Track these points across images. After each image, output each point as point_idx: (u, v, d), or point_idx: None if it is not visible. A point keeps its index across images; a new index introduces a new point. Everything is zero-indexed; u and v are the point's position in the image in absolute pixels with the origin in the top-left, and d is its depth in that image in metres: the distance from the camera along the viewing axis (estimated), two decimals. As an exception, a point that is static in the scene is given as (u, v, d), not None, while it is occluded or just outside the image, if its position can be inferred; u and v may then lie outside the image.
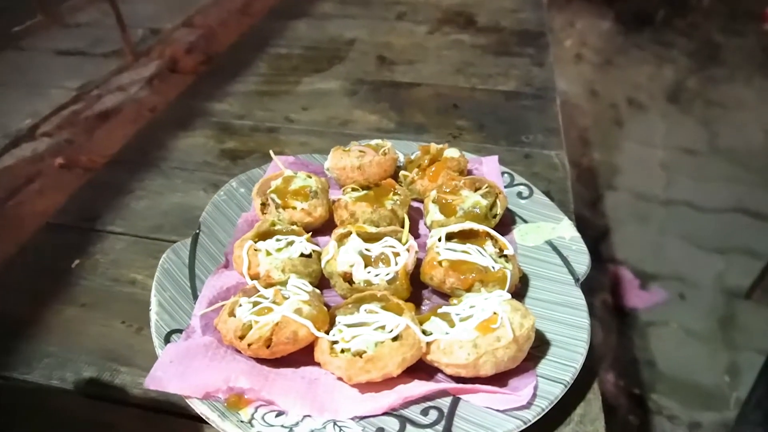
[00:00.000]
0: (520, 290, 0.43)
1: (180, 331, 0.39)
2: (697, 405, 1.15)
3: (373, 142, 0.54)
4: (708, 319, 1.31)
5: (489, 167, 0.54)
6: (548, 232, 0.48)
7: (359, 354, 0.35)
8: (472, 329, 0.36)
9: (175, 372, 0.35)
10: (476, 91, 0.73)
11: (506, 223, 0.49)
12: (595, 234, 1.52)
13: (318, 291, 0.41)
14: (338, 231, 0.44)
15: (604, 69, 2.23)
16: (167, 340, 0.39)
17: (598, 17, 2.57)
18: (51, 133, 0.73)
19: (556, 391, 0.36)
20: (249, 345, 0.37)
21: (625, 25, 2.53)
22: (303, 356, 0.38)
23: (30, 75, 0.86)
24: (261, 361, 0.38)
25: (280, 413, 0.34)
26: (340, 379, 0.36)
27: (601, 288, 1.37)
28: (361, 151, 0.51)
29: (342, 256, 0.42)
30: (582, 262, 0.45)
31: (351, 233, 0.43)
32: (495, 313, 0.36)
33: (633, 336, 1.28)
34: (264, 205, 0.48)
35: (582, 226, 1.53)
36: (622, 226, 1.54)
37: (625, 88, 2.11)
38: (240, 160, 0.61)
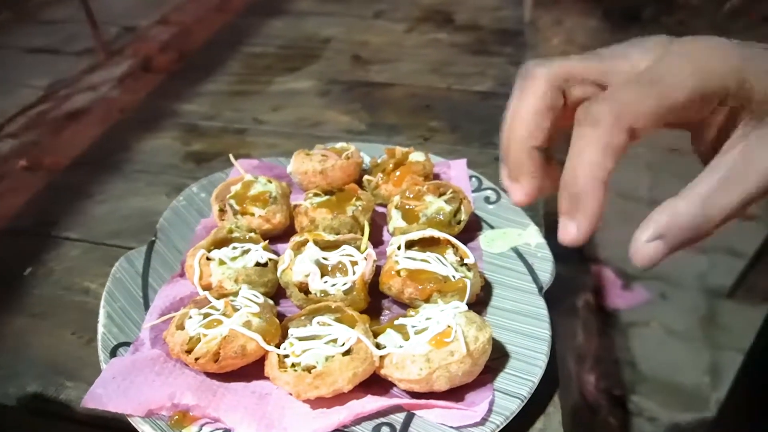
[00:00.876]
0: (483, 299, 0.42)
1: (128, 344, 0.38)
2: (678, 406, 1.15)
3: (338, 144, 0.52)
4: (689, 319, 1.31)
5: (456, 171, 0.53)
6: (514, 238, 0.47)
7: (308, 369, 0.34)
8: (425, 343, 0.34)
9: (117, 388, 0.34)
10: (451, 91, 0.72)
11: (472, 228, 0.48)
12: (579, 233, 1.52)
13: (271, 302, 0.40)
14: (295, 239, 0.43)
15: (592, 67, 2.22)
16: (114, 353, 0.37)
17: (585, 15, 2.57)
18: (16, 133, 0.71)
19: (513, 407, 0.35)
20: (196, 359, 0.35)
21: (613, 22, 2.53)
22: (255, 370, 0.36)
23: (-3, 73, 0.84)
24: (211, 375, 0.37)
25: (226, 431, 0.33)
26: (291, 394, 0.35)
27: (584, 288, 1.37)
28: (323, 155, 0.49)
29: (298, 265, 0.40)
30: (546, 269, 0.44)
31: (308, 241, 0.42)
32: (449, 327, 0.35)
33: (615, 336, 1.28)
34: (222, 211, 0.46)
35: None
36: (606, 225, 1.53)
37: (612, 86, 2.11)
38: (205, 162, 0.60)
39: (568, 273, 1.44)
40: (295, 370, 0.34)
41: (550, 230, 0.50)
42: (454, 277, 0.40)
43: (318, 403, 0.35)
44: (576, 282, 1.38)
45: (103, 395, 0.33)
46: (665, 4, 2.72)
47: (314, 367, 0.34)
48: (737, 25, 2.51)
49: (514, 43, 0.85)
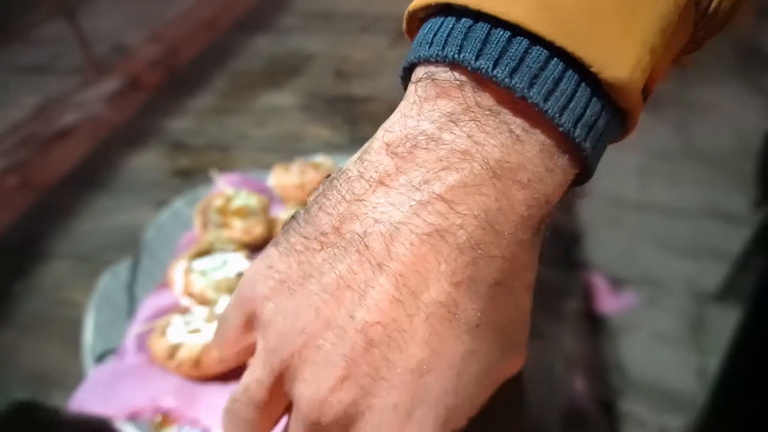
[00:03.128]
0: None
1: (113, 351, 0.40)
2: (666, 410, 1.16)
3: (317, 159, 0.54)
4: (678, 323, 1.33)
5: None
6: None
7: None
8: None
9: (101, 393, 0.36)
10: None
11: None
12: (567, 239, 1.54)
13: (250, 310, 0.41)
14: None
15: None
16: (100, 361, 0.39)
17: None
18: (6, 153, 0.73)
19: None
20: (178, 366, 0.37)
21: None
22: (233, 374, 0.38)
23: (-11, 93, 0.86)
24: (191, 379, 0.38)
25: (204, 430, 0.35)
26: None
27: (572, 293, 1.39)
28: (302, 169, 0.51)
29: (275, 274, 0.42)
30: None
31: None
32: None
33: (603, 341, 1.30)
34: (204, 225, 0.48)
35: (555, 231, 1.57)
36: (596, 230, 1.56)
37: (599, 93, 2.14)
38: (190, 179, 0.62)
39: (556, 278, 1.47)
40: None
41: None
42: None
43: (293, 406, 0.36)
44: (564, 287, 1.40)
45: (86, 399, 0.35)
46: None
47: None
48: (725, 31, 2.55)
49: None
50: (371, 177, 0.18)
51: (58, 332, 0.45)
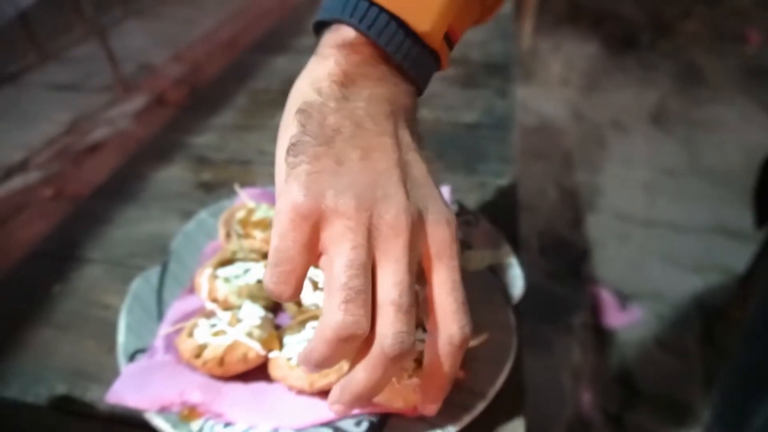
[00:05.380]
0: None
1: (144, 350, 0.44)
2: (672, 423, 1.18)
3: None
4: (685, 337, 1.35)
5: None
6: (489, 258, 0.52)
7: None
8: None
9: (134, 387, 0.39)
10: (440, 123, 0.78)
11: (452, 249, 0.53)
12: (575, 254, 1.56)
13: (271, 315, 0.45)
14: (291, 258, 0.48)
15: (589, 92, 2.30)
16: (132, 359, 0.43)
17: (584, 41, 2.65)
18: (42, 165, 0.78)
19: (480, 406, 0.39)
20: (204, 364, 0.41)
21: (611, 48, 2.60)
22: (255, 373, 0.42)
23: (25, 109, 0.91)
24: (215, 377, 0.42)
25: (227, 424, 0.38)
26: (297, 391, 0.40)
27: (580, 308, 1.41)
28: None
29: (293, 281, 0.46)
30: (516, 286, 0.50)
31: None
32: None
33: (611, 354, 1.32)
34: (228, 235, 0.52)
35: (563, 246, 1.58)
36: (603, 246, 1.58)
37: (609, 110, 2.17)
38: (214, 191, 0.66)
39: (565, 293, 1.49)
40: (299, 366, 0.40)
41: (522, 250, 0.55)
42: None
43: (310, 400, 0.40)
44: (573, 301, 1.42)
45: (122, 392, 0.39)
46: (662, 29, 2.80)
47: None
48: (734, 49, 2.57)
49: (501, 76, 0.91)
50: (332, 97, 0.29)
51: (93, 331, 0.48)
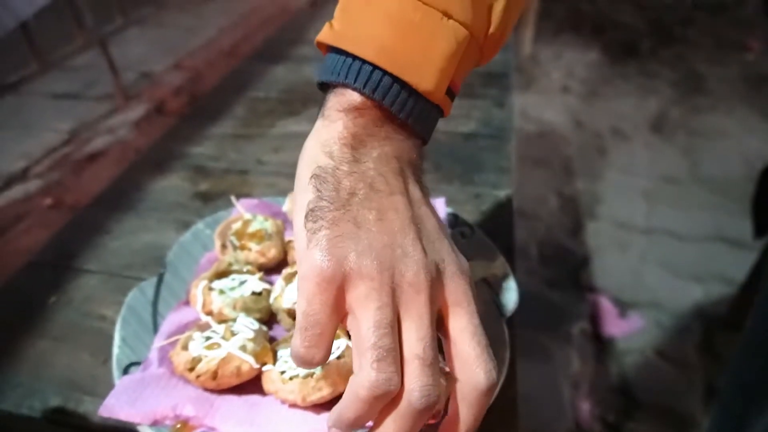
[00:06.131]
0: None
1: (138, 363, 0.44)
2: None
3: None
4: (685, 347, 1.34)
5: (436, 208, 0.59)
6: (484, 269, 0.52)
7: (309, 376, 0.39)
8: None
9: (127, 400, 0.40)
10: (437, 132, 0.78)
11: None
12: (575, 263, 1.56)
13: (265, 328, 0.45)
14: (286, 270, 0.48)
15: (590, 100, 2.30)
16: (126, 372, 0.43)
17: (585, 49, 2.65)
18: (42, 174, 0.78)
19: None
20: (198, 377, 0.41)
21: (612, 56, 2.61)
22: (248, 386, 0.42)
23: (25, 118, 0.92)
24: (209, 390, 0.42)
25: (220, 438, 0.39)
26: (289, 405, 0.40)
27: (579, 316, 1.41)
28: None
29: (288, 294, 0.46)
30: (510, 298, 0.50)
31: (296, 273, 0.47)
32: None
33: (610, 364, 1.31)
34: (224, 246, 0.52)
35: (563, 255, 1.58)
36: (603, 254, 1.58)
37: (609, 118, 2.17)
38: (211, 201, 0.66)
39: (564, 301, 1.49)
40: (292, 380, 0.40)
41: (517, 262, 0.55)
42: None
43: (302, 413, 0.40)
44: (572, 310, 1.42)
45: (115, 405, 0.39)
46: (663, 37, 2.81)
47: (312, 374, 0.39)
48: (735, 58, 2.57)
49: (499, 86, 0.92)
50: (344, 160, 0.30)
51: (89, 343, 0.49)
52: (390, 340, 0.27)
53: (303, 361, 0.29)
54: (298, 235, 0.29)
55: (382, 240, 0.28)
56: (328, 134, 0.30)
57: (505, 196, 0.66)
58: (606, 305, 1.44)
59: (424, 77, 0.29)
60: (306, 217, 0.29)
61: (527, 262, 1.52)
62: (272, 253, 0.52)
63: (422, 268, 0.28)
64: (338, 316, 0.28)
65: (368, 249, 0.28)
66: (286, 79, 0.95)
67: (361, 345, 0.27)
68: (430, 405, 0.27)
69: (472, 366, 0.28)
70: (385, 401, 0.27)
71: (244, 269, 0.50)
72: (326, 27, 0.31)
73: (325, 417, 0.39)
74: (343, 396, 0.28)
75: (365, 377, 0.26)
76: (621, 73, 2.48)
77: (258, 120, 0.83)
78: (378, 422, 0.29)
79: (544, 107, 2.19)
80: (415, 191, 0.31)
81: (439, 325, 0.30)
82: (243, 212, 0.55)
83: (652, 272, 1.53)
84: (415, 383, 0.27)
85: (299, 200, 0.30)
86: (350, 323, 0.29)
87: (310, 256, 0.28)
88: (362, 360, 0.27)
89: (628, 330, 1.39)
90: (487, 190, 0.67)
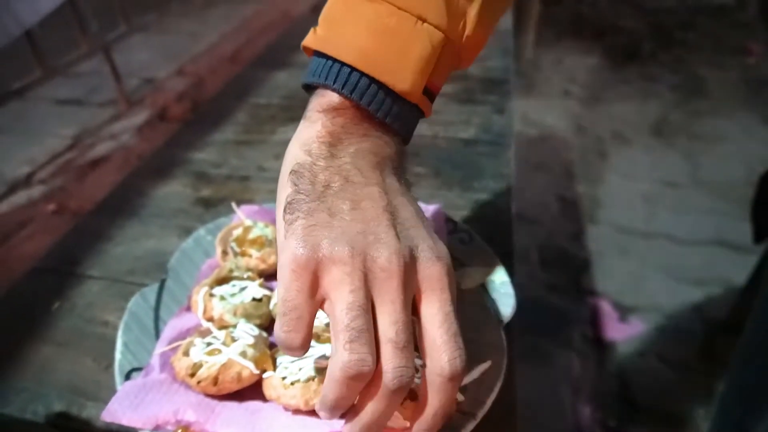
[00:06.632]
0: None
1: (140, 369, 0.44)
2: (672, 436, 1.17)
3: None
4: (685, 351, 1.34)
5: (431, 214, 0.59)
6: (482, 276, 0.53)
7: (311, 380, 0.40)
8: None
9: (130, 405, 0.40)
10: (438, 138, 0.79)
11: (446, 267, 0.54)
12: (576, 267, 1.56)
13: (265, 334, 0.46)
14: (286, 277, 0.49)
15: (591, 104, 2.31)
16: (128, 377, 0.43)
17: (586, 53, 2.66)
18: (46, 180, 0.79)
19: (470, 426, 0.40)
20: (199, 382, 0.42)
21: (613, 60, 2.61)
22: (248, 392, 0.43)
23: (29, 123, 0.93)
24: (210, 395, 0.42)
25: (220, 443, 0.39)
26: (293, 411, 0.41)
27: (580, 320, 1.41)
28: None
29: (288, 300, 0.47)
30: (508, 304, 0.50)
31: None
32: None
33: (611, 368, 1.31)
34: (225, 252, 0.53)
35: (564, 259, 1.58)
36: (603, 258, 1.58)
37: (610, 122, 2.18)
38: (213, 207, 0.67)
39: (564, 305, 1.49)
40: (293, 385, 0.40)
41: (515, 268, 0.56)
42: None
43: (303, 419, 0.40)
44: (572, 314, 1.42)
45: (118, 410, 0.40)
46: (663, 40, 2.81)
47: (314, 378, 0.40)
48: (736, 61, 2.58)
49: (499, 92, 0.92)
50: (321, 156, 0.31)
51: (92, 348, 0.49)
52: (362, 322, 0.28)
53: (285, 346, 0.30)
54: (278, 228, 0.31)
55: (356, 227, 0.29)
56: (307, 134, 0.32)
57: (504, 202, 0.67)
58: (606, 309, 1.44)
59: (400, 78, 0.31)
60: (284, 210, 0.30)
61: (528, 267, 1.52)
62: (273, 259, 0.52)
63: (394, 253, 0.28)
64: (315, 301, 0.29)
65: (341, 236, 0.29)
66: (288, 86, 0.96)
67: (336, 327, 0.28)
68: (403, 386, 0.28)
69: (438, 352, 0.29)
70: (361, 382, 0.28)
71: (245, 275, 0.50)
72: (311, 32, 0.33)
73: (326, 422, 0.40)
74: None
75: (339, 358, 0.28)
76: (622, 77, 2.48)
77: (259, 126, 0.84)
78: (359, 404, 0.29)
79: (545, 111, 2.20)
80: (392, 182, 0.32)
81: (414, 310, 0.30)
82: (244, 219, 0.56)
83: (652, 276, 1.53)
84: (389, 365, 0.28)
85: (279, 196, 0.32)
86: (327, 308, 0.30)
87: (287, 245, 0.29)
88: (336, 342, 0.28)
89: (628, 334, 1.39)
90: (486, 196, 0.68)
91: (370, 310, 0.28)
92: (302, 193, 0.30)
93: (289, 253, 0.29)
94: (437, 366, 0.29)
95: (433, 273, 0.29)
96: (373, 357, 0.28)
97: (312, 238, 0.29)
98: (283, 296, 0.29)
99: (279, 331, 0.29)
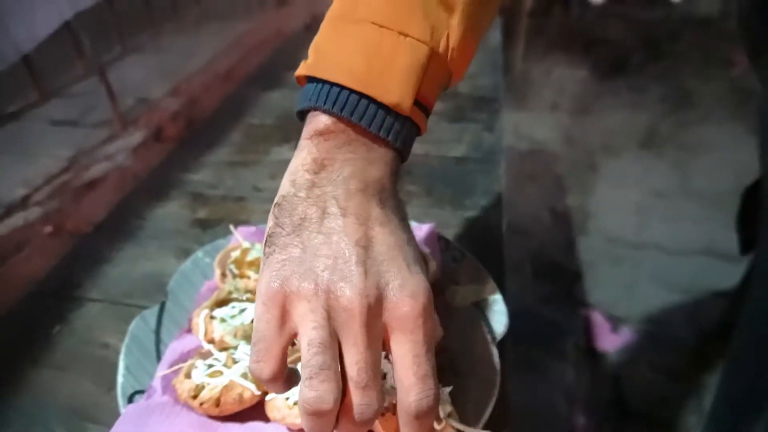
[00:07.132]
0: (443, 345, 0.49)
1: (143, 391, 0.45)
2: (665, 445, 1.18)
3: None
4: (677, 359, 1.36)
5: (425, 233, 0.60)
6: (475, 293, 0.54)
7: None
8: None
9: (134, 428, 0.41)
10: (429, 157, 0.81)
11: (439, 285, 0.55)
12: (568, 278, 1.58)
13: (264, 354, 0.47)
14: (284, 298, 0.50)
15: (580, 116, 2.33)
16: (131, 400, 0.44)
17: (574, 66, 2.70)
18: (42, 201, 0.79)
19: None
20: (201, 404, 0.42)
21: (601, 72, 2.65)
22: (250, 413, 0.44)
23: (25, 144, 0.93)
24: (212, 417, 0.43)
25: (222, 464, 0.40)
26: (297, 430, 0.41)
27: (573, 331, 1.42)
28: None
29: (286, 321, 0.48)
30: (500, 321, 0.51)
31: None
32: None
33: (604, 377, 1.33)
34: (223, 274, 0.54)
35: (555, 270, 1.59)
36: (595, 269, 1.60)
37: (600, 134, 2.21)
38: (210, 228, 0.68)
39: (557, 316, 1.50)
40: (297, 405, 0.41)
41: (510, 279, 0.57)
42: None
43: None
44: (565, 325, 1.44)
45: (121, 435, 0.40)
46: (651, 52, 2.86)
47: None
48: (722, 72, 2.62)
49: (489, 110, 0.94)
50: (303, 187, 0.31)
51: (92, 371, 0.50)
52: (322, 359, 0.28)
53: (255, 376, 0.31)
54: (261, 259, 0.32)
55: (324, 263, 0.29)
56: (295, 163, 0.33)
57: (496, 218, 0.68)
58: (599, 320, 1.45)
59: (388, 90, 0.31)
60: (264, 242, 0.32)
61: (521, 278, 1.54)
62: (270, 280, 0.53)
63: (357, 294, 0.28)
64: (285, 332, 0.30)
65: (308, 272, 0.29)
66: (281, 105, 0.97)
67: (302, 362, 0.29)
68: (365, 420, 0.29)
69: (405, 393, 0.30)
70: (323, 417, 0.29)
71: (244, 297, 0.51)
72: (302, 63, 0.34)
73: None
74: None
75: (300, 394, 0.29)
76: (610, 89, 2.52)
77: (254, 146, 0.85)
78: (340, 427, 0.31)
79: (535, 125, 2.22)
80: (373, 210, 0.31)
81: (387, 346, 0.31)
82: (241, 240, 0.57)
83: (644, 286, 1.55)
84: (354, 401, 0.29)
85: (267, 228, 0.33)
86: (297, 341, 0.31)
87: (261, 277, 0.30)
88: (302, 377, 0.29)
89: (620, 343, 1.40)
90: (478, 213, 0.69)
91: (334, 346, 0.29)
92: (280, 226, 0.31)
93: (261, 286, 0.30)
94: (404, 404, 0.30)
95: (402, 312, 0.29)
96: (333, 393, 0.28)
97: (283, 272, 0.29)
98: (255, 327, 0.30)
99: (250, 361, 0.30)
